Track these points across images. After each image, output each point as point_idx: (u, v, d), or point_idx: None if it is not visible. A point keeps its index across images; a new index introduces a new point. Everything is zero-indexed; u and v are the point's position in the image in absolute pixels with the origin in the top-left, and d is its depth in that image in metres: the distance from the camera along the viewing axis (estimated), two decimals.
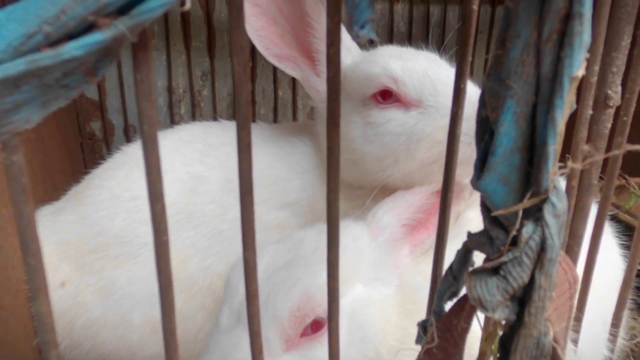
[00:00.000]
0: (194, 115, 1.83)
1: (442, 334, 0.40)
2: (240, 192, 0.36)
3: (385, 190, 0.76)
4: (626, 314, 0.89)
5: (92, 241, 0.75)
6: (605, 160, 0.50)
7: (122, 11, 0.26)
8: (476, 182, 0.33)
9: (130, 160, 0.82)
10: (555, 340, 0.36)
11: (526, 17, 0.29)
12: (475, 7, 0.37)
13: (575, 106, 0.32)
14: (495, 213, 0.33)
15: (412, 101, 0.74)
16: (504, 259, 0.32)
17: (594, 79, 0.45)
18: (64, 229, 0.77)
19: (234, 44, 0.31)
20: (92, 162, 1.34)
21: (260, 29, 0.77)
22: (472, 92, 0.76)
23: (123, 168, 0.81)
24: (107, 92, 1.70)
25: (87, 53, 0.26)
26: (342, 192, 0.84)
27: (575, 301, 0.39)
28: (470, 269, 0.34)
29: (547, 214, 0.31)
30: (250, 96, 0.36)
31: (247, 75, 0.32)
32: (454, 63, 0.81)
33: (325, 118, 0.89)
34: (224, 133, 0.88)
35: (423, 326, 0.42)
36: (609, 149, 0.48)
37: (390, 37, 2.02)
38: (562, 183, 0.92)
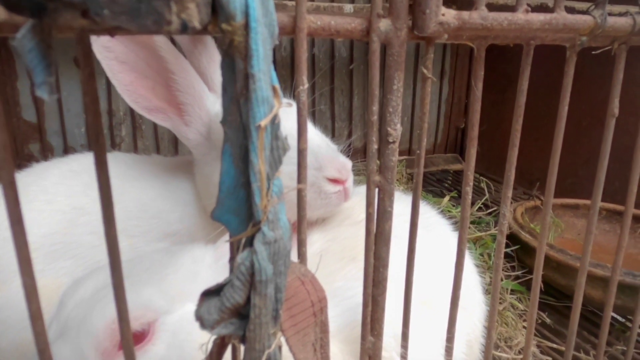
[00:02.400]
0: (135, 137, 1.87)
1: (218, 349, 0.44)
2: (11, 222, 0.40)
3: None
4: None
5: None
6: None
7: None
8: (211, 214, 0.38)
9: None
10: (291, 351, 0.41)
11: (227, 74, 0.35)
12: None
13: (288, 148, 0.37)
14: (226, 240, 0.38)
15: None
16: (223, 282, 0.36)
17: (374, 117, 0.50)
18: None
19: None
20: None
21: (129, 83, 0.81)
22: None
23: None
24: (45, 114, 1.73)
25: None
26: (214, 225, 0.88)
27: (326, 317, 0.43)
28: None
29: (257, 242, 0.36)
30: None
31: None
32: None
33: (197, 160, 0.93)
34: (112, 166, 0.91)
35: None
36: None
37: (332, 59, 2.09)
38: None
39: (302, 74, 0.46)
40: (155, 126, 1.88)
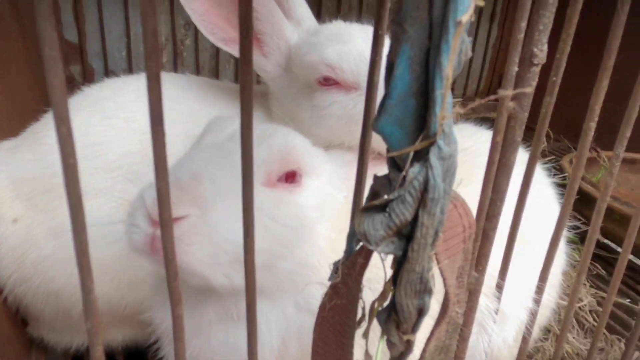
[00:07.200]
0: (176, 65, 1.81)
1: (347, 270, 0.42)
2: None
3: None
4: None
5: (48, 181, 0.76)
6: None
7: None
8: (375, 123, 0.35)
9: (89, 104, 0.83)
10: (442, 276, 0.38)
11: None
12: None
13: (470, 54, 0.33)
14: (390, 154, 0.35)
15: (351, 84, 0.76)
16: (390, 197, 0.34)
17: (521, 35, 0.45)
18: (19, 167, 0.78)
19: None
20: None
21: (204, 13, 0.78)
22: None
23: (82, 111, 0.81)
24: (87, 35, 1.67)
25: None
26: None
27: (471, 245, 0.41)
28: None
29: (433, 156, 0.33)
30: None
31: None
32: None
33: (275, 94, 0.89)
34: (191, 89, 0.89)
35: (335, 266, 0.45)
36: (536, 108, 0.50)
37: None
38: (485, 134, 0.96)
39: None
40: (196, 54, 1.82)
